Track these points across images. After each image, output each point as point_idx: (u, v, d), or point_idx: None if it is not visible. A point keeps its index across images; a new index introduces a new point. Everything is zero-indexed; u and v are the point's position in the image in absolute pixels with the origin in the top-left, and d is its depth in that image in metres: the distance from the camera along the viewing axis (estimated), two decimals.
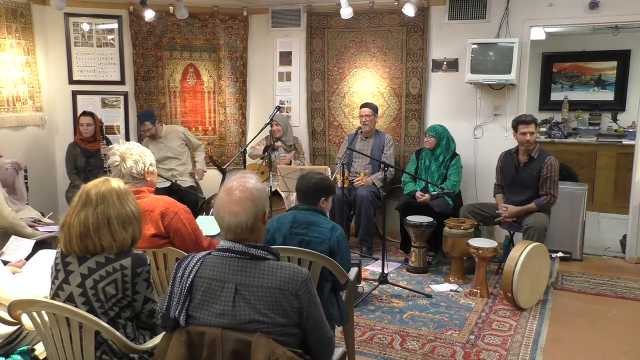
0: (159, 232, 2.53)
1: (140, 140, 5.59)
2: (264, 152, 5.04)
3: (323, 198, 2.72)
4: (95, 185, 1.99)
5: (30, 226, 3.68)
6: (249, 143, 5.04)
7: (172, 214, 2.55)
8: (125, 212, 1.97)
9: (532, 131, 4.19)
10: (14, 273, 2.65)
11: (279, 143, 5.16)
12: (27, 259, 2.92)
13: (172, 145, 5.32)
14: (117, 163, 2.59)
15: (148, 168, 2.64)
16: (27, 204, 4.37)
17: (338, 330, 3.08)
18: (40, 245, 3.35)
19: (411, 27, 5.21)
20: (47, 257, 2.70)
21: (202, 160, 5.46)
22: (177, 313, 1.67)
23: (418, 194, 4.68)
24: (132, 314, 1.99)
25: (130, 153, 2.60)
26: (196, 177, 5.42)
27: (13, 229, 3.47)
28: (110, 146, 2.68)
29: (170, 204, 2.60)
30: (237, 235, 1.70)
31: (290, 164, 5.17)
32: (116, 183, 2.03)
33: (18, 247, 3.18)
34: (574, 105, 7.01)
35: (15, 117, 5.02)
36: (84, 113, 5.03)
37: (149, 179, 2.66)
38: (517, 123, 4.27)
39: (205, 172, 5.46)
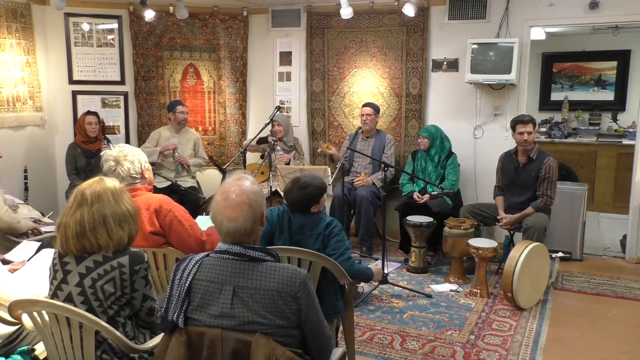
0: (155, 230, 2.54)
1: (141, 139, 5.60)
2: (258, 144, 5.03)
3: (313, 205, 2.65)
4: (89, 185, 1.99)
5: None
6: (249, 143, 5.02)
7: (166, 211, 2.56)
8: (121, 211, 1.97)
9: (530, 131, 4.19)
10: (13, 271, 2.65)
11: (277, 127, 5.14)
12: (29, 258, 2.93)
13: (184, 146, 5.29)
14: (113, 167, 2.58)
15: (144, 165, 2.66)
16: (27, 204, 4.37)
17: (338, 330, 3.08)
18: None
19: (411, 27, 5.21)
20: (48, 257, 2.70)
21: (194, 162, 5.34)
22: (175, 316, 1.67)
23: (416, 195, 4.68)
24: (131, 312, 1.99)
25: (124, 155, 2.60)
26: (177, 156, 5.17)
27: (10, 227, 3.48)
28: (102, 153, 2.67)
29: (164, 202, 2.61)
30: (235, 239, 1.70)
31: (289, 163, 5.17)
32: (111, 182, 2.03)
33: (24, 247, 3.18)
34: (574, 105, 7.01)
35: (15, 117, 5.02)
36: (89, 112, 5.04)
37: (147, 176, 2.68)
38: (515, 123, 4.27)
39: (187, 165, 5.24)
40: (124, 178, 2.57)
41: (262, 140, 4.94)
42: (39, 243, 3.30)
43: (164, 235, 2.57)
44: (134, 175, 2.60)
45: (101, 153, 2.67)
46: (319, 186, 2.66)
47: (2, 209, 3.47)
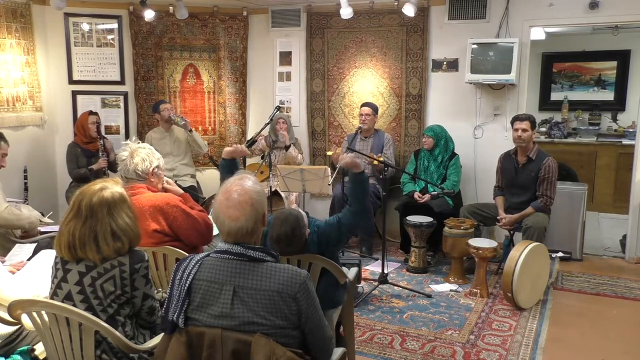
0: (160, 228, 2.56)
1: (140, 139, 5.58)
2: (248, 147, 5.00)
3: (305, 240, 2.54)
4: (89, 193, 1.96)
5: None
6: (248, 142, 5.00)
7: (172, 209, 2.60)
8: (117, 225, 1.95)
9: (525, 128, 4.18)
10: (13, 272, 2.65)
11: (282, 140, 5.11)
12: (29, 258, 2.93)
13: (178, 142, 5.27)
14: (124, 158, 2.66)
15: (153, 169, 2.68)
16: (27, 204, 4.36)
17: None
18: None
19: (411, 27, 5.21)
20: (48, 258, 2.70)
21: (196, 138, 5.22)
22: (175, 316, 1.67)
23: (417, 195, 4.68)
24: (131, 311, 1.99)
25: (139, 151, 2.67)
26: (180, 119, 5.08)
27: (10, 224, 3.47)
28: (124, 142, 2.77)
29: (170, 199, 2.64)
30: (237, 238, 1.70)
31: (289, 147, 5.14)
32: (110, 192, 1.97)
33: (20, 252, 3.18)
34: (574, 105, 7.01)
35: (15, 117, 5.02)
36: (91, 112, 5.03)
37: (152, 180, 2.69)
38: (513, 120, 4.30)
39: (187, 122, 5.11)
40: (129, 172, 2.62)
41: (251, 143, 4.92)
42: (34, 245, 3.30)
43: (169, 234, 2.59)
44: (139, 173, 2.64)
45: (122, 143, 2.78)
46: (300, 222, 2.45)
47: (1, 206, 3.47)
